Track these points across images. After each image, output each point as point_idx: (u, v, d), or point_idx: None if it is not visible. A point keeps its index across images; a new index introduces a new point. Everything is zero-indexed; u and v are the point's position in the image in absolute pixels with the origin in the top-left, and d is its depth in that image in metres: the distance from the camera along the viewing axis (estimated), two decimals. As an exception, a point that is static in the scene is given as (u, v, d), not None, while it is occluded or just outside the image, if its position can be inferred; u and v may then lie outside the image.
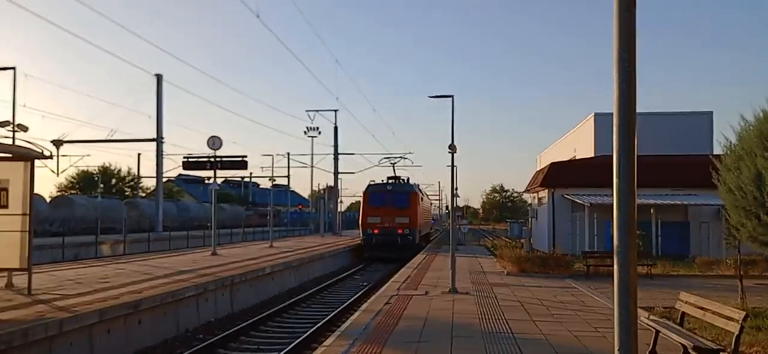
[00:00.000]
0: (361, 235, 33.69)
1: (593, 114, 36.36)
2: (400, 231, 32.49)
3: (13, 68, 32.16)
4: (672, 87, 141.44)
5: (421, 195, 38.36)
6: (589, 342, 9.38)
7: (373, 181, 36.75)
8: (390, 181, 36.57)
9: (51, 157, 12.18)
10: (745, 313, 7.13)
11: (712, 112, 36.83)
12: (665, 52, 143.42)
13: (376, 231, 32.55)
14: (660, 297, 13.39)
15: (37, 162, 11.80)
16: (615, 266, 3.58)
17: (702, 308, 7.99)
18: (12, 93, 31.76)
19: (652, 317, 8.92)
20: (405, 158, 42.80)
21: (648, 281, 17.73)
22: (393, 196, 33.47)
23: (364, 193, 34.73)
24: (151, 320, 11.55)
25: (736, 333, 6.92)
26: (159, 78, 41.37)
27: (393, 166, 39.82)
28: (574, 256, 22.92)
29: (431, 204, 61.59)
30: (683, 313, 8.48)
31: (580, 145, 39.34)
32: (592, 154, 34.60)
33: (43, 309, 9.84)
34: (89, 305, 10.28)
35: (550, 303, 13.64)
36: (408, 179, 38.75)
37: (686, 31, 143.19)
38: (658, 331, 8.10)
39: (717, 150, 18.08)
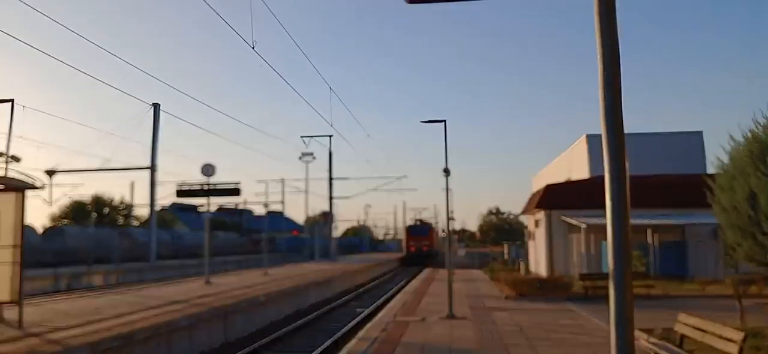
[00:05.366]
0: (405, 251, 65.41)
1: (585, 135, 36.39)
2: (425, 249, 61.47)
3: (12, 100, 31.98)
4: (660, 109, 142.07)
5: (435, 229, 72.71)
6: (588, 366, 9.26)
7: (411, 223, 72.22)
8: (418, 221, 71.49)
9: (42, 187, 12.13)
10: (744, 333, 7.05)
11: (702, 132, 37.00)
12: (653, 74, 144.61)
13: (412, 249, 62.11)
14: (659, 318, 13.23)
15: (29, 192, 11.72)
16: (610, 289, 3.51)
17: (701, 329, 7.91)
18: (9, 124, 31.56)
19: (651, 339, 8.82)
20: (425, 210, 77.28)
21: (647, 302, 17.58)
22: (421, 230, 65.42)
23: (406, 229, 69.12)
24: (144, 352, 11.38)
25: (736, 354, 6.84)
26: (156, 107, 41.39)
27: (420, 214, 79.58)
28: (572, 278, 22.77)
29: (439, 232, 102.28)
30: (682, 335, 8.40)
31: (574, 166, 39.32)
32: (587, 175, 34.50)
33: (34, 342, 9.68)
34: (81, 338, 10.13)
35: (549, 327, 13.52)
36: (426, 220, 75.49)
37: (674, 54, 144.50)
38: (657, 354, 8.01)
39: (709, 169, 18.09)
